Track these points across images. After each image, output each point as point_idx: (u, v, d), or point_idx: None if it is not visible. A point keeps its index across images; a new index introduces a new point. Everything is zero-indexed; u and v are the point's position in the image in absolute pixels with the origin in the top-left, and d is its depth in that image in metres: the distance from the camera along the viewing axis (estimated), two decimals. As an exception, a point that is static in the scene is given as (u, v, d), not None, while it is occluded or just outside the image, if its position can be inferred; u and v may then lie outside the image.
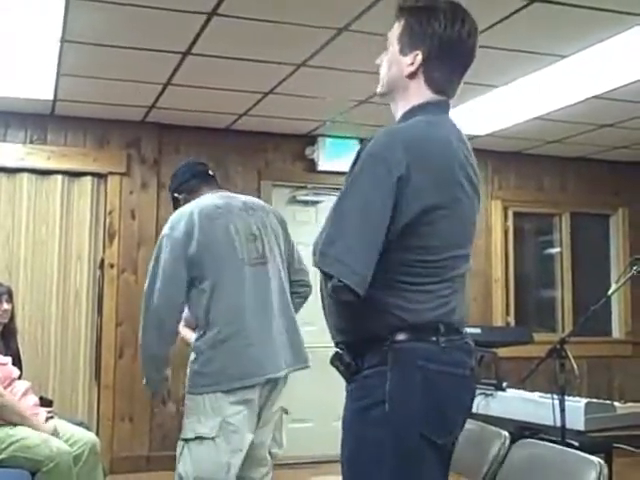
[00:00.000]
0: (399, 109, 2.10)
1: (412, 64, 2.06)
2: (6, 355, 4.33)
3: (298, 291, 3.35)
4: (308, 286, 3.38)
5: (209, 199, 3.22)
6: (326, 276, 1.92)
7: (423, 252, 1.95)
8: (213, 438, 2.97)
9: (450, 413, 2.05)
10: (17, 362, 4.41)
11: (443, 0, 2.14)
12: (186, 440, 3.02)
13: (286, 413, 3.31)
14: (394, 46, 2.09)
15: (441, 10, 2.11)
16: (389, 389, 1.92)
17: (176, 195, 3.40)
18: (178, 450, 3.05)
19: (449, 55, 2.13)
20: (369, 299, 1.89)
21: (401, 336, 1.94)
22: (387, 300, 1.95)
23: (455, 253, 2.06)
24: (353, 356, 2.02)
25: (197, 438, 2.99)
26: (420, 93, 2.09)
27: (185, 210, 3.14)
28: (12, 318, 4.54)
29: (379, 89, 2.16)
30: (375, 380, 1.95)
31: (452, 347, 2.00)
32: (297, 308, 3.35)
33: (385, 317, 1.95)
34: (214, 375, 3.01)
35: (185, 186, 3.36)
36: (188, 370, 3.09)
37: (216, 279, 3.03)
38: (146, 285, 3.06)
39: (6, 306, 4.43)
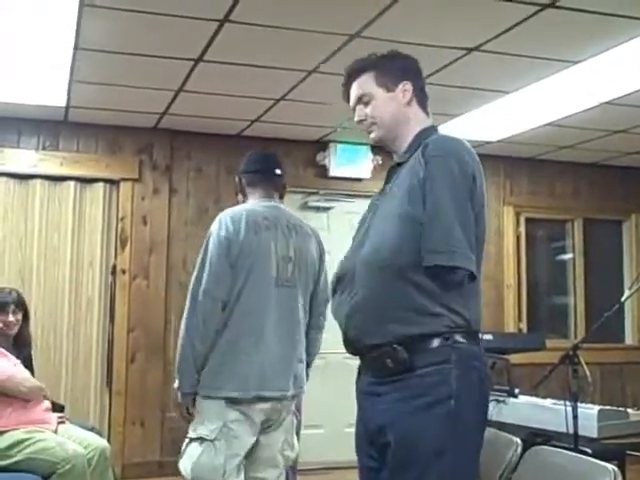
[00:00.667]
0: (404, 140, 2.31)
1: (405, 93, 2.31)
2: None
3: (318, 323, 3.37)
4: (325, 318, 3.38)
5: (260, 206, 3.24)
6: (451, 270, 2.08)
7: (478, 246, 2.19)
8: (213, 440, 3.02)
9: (487, 411, 2.24)
10: (29, 369, 4.42)
11: (390, 50, 2.46)
12: (190, 439, 3.09)
13: (296, 417, 3.32)
14: (377, 91, 2.31)
15: (400, 52, 2.45)
16: (456, 387, 2.06)
17: (238, 178, 3.41)
18: (183, 446, 3.12)
19: (424, 82, 2.40)
20: (437, 297, 2.09)
21: (461, 336, 2.13)
22: (452, 299, 2.13)
23: (482, 249, 2.26)
24: (409, 353, 2.10)
25: (198, 438, 3.05)
26: (420, 119, 2.34)
27: (235, 213, 3.16)
28: (25, 325, 4.48)
29: (377, 133, 2.34)
30: (436, 378, 2.08)
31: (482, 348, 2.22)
32: (316, 342, 3.38)
33: (450, 316, 2.12)
34: (220, 381, 3.05)
35: (246, 176, 3.35)
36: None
37: (242, 289, 3.06)
38: (193, 281, 3.07)
39: (11, 318, 4.29)
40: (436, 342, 2.09)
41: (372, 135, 2.36)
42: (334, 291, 2.31)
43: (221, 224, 3.10)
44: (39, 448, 3.90)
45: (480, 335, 2.23)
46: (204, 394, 3.06)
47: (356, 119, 2.36)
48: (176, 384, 3.13)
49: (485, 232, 2.25)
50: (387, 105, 2.31)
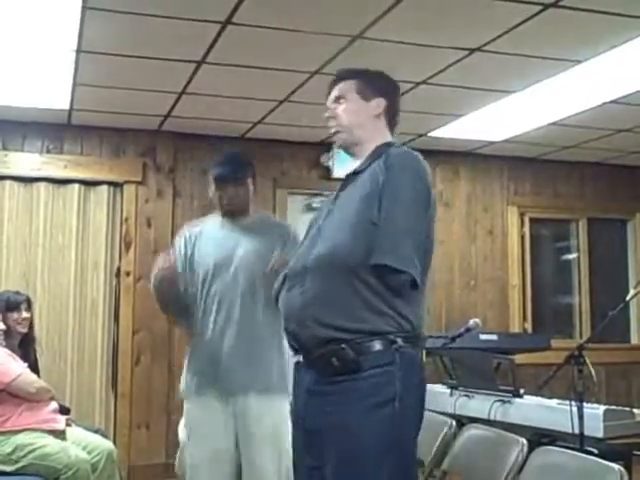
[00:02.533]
0: (364, 149, 2.42)
1: (377, 107, 2.44)
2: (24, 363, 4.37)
3: None
4: None
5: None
6: (397, 272, 2.15)
7: (427, 257, 2.28)
8: (187, 442, 3.16)
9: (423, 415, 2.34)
10: (35, 371, 4.44)
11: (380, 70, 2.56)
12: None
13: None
14: (353, 97, 2.43)
15: (385, 73, 2.55)
16: (399, 389, 2.15)
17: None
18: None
19: (398, 107, 2.53)
20: (386, 299, 2.17)
21: (403, 340, 2.19)
22: (399, 303, 2.20)
23: (430, 261, 2.33)
24: (356, 354, 2.16)
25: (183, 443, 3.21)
26: (383, 135, 2.45)
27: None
28: (31, 327, 4.58)
29: (340, 135, 2.45)
30: (383, 379, 2.16)
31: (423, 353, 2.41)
32: None
33: (396, 318, 2.20)
34: (186, 379, 3.21)
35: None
36: None
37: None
38: None
39: (25, 314, 4.49)
40: (381, 344, 2.17)
41: (336, 136, 2.46)
42: (279, 289, 2.38)
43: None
44: (42, 454, 3.92)
45: (422, 340, 2.32)
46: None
47: (326, 114, 2.46)
48: None
49: (434, 244, 2.34)
50: (358, 110, 2.42)
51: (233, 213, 3.36)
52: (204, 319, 3.21)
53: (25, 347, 4.53)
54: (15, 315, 4.46)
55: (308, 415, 2.28)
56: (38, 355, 4.66)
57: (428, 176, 2.29)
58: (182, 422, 3.27)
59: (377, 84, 2.47)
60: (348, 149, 2.48)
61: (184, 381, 3.26)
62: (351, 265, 2.18)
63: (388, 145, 2.39)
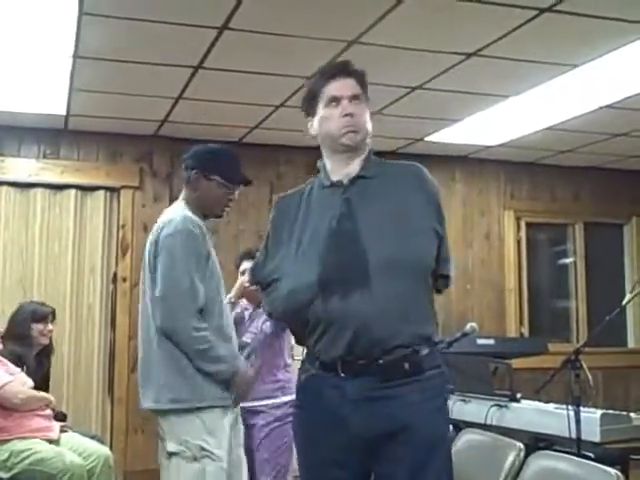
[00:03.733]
0: (361, 153, 2.37)
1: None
2: (35, 374, 4.37)
3: None
4: None
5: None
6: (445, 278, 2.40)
7: None
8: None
9: None
10: (44, 382, 4.46)
11: None
12: None
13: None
14: (365, 102, 2.39)
15: None
16: (448, 390, 2.44)
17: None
18: None
19: None
20: (433, 307, 2.35)
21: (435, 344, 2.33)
22: (433, 308, 2.36)
23: None
24: (420, 357, 2.21)
25: None
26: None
27: None
28: (51, 339, 4.63)
29: (359, 136, 2.34)
30: (441, 380, 2.28)
31: None
32: None
33: (434, 321, 2.35)
34: None
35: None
36: None
37: None
38: None
39: (50, 326, 4.58)
40: (431, 348, 2.26)
41: (353, 136, 2.32)
42: (329, 293, 2.17)
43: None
44: (37, 459, 3.91)
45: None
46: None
47: (349, 110, 2.32)
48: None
49: None
50: (367, 116, 2.39)
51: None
52: None
53: (41, 357, 4.56)
54: (41, 326, 4.51)
55: (360, 422, 2.17)
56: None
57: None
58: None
59: (366, 92, 2.44)
60: (352, 151, 2.35)
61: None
62: (426, 268, 2.29)
63: (373, 152, 2.43)
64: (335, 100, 2.35)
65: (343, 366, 2.18)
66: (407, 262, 2.21)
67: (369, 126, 2.37)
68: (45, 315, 4.55)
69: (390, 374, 2.16)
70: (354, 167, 2.35)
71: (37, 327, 4.49)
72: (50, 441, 4.09)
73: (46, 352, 4.63)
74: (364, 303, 2.14)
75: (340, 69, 2.41)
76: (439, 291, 2.42)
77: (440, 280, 2.38)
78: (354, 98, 2.34)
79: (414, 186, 2.35)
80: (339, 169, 2.36)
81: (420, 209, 2.31)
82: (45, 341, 4.54)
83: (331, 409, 2.21)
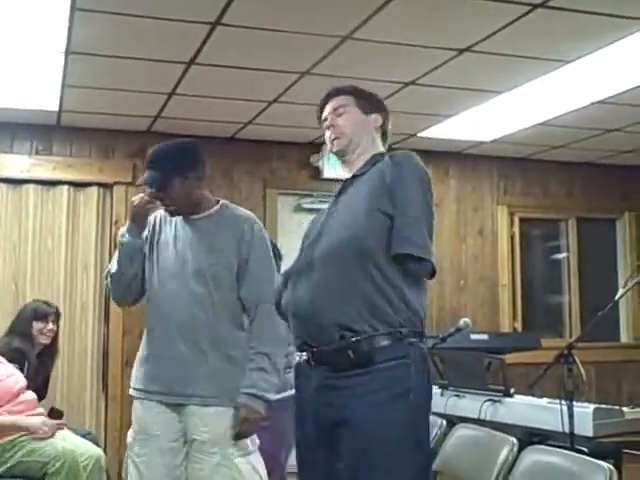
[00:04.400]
0: (363, 154, 2.50)
1: (376, 120, 2.55)
2: (36, 375, 4.37)
3: None
4: None
5: None
6: (421, 261, 2.23)
7: None
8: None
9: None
10: (43, 384, 4.45)
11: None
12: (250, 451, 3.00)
13: None
14: (354, 109, 2.52)
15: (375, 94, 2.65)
16: (414, 382, 2.18)
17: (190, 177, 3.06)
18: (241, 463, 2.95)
19: (389, 129, 2.63)
20: (399, 290, 2.22)
21: (413, 337, 2.24)
22: (412, 294, 2.26)
23: None
24: (369, 347, 2.18)
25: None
26: (379, 146, 2.56)
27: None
28: (55, 340, 4.61)
29: (341, 141, 2.51)
30: (399, 372, 2.19)
31: None
32: None
33: (406, 312, 2.24)
34: None
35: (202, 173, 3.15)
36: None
37: None
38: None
39: (51, 326, 4.57)
40: (393, 338, 2.20)
41: (335, 142, 2.51)
42: (281, 290, 2.42)
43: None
44: (29, 450, 3.91)
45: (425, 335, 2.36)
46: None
47: (327, 123, 2.53)
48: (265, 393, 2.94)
49: None
50: (359, 121, 2.51)
51: (180, 214, 3.10)
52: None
53: (44, 358, 4.54)
54: (40, 325, 4.50)
55: (320, 411, 2.26)
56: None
57: (428, 175, 2.40)
58: None
59: (373, 101, 2.58)
60: (344, 155, 2.54)
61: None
62: (369, 250, 2.22)
63: (382, 154, 2.49)
64: (324, 121, 2.58)
65: (311, 355, 2.31)
66: (341, 248, 2.26)
67: (357, 129, 2.50)
68: (46, 314, 4.55)
69: (337, 363, 2.22)
70: (354, 170, 2.50)
71: (37, 325, 4.50)
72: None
73: (49, 353, 4.62)
74: (304, 291, 2.28)
75: (326, 95, 2.61)
76: (420, 276, 2.31)
77: (409, 263, 2.22)
78: (335, 110, 2.53)
79: (379, 173, 2.36)
80: (347, 174, 2.54)
81: (371, 192, 2.31)
82: (45, 340, 4.51)
83: (306, 394, 2.35)
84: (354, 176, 2.48)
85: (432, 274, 2.30)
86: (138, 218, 3.05)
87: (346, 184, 2.51)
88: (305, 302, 2.26)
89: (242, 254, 2.99)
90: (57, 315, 4.65)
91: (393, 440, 2.15)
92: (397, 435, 2.15)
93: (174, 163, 3.04)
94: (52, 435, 4.05)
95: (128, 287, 3.12)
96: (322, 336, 2.24)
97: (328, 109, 2.55)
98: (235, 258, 2.99)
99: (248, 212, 3.14)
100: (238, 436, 2.90)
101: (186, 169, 3.04)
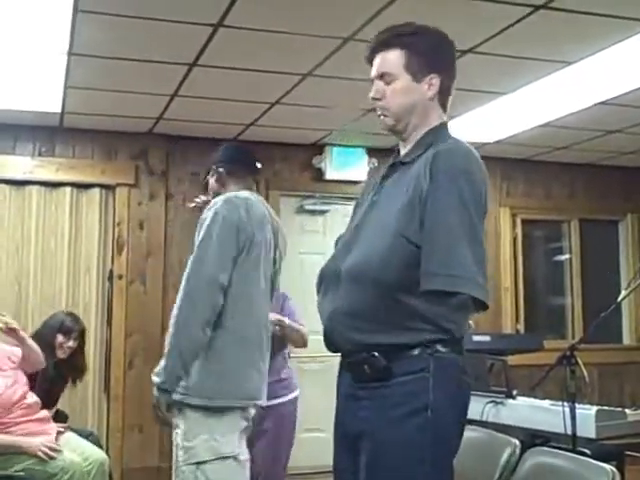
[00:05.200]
0: (414, 134, 2.19)
1: (430, 87, 2.17)
2: (52, 382, 4.36)
3: None
4: None
5: (254, 197, 3.08)
6: (444, 294, 1.97)
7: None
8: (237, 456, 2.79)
9: (466, 421, 2.18)
10: (54, 395, 4.47)
11: (432, 27, 2.28)
12: (212, 459, 2.73)
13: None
14: (403, 77, 2.16)
15: (442, 35, 2.26)
16: (433, 398, 2.01)
17: (216, 167, 3.22)
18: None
19: (454, 78, 2.25)
20: (418, 306, 2.01)
21: (442, 346, 2.04)
22: (434, 309, 2.02)
23: None
24: (388, 361, 2.05)
25: (228, 457, 2.76)
26: (437, 115, 2.21)
27: (244, 198, 2.97)
28: (75, 356, 4.57)
29: (388, 120, 2.20)
30: (415, 387, 2.02)
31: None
32: None
33: (431, 326, 2.03)
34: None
35: (227, 166, 3.24)
36: None
37: (243, 284, 2.87)
38: (194, 263, 2.81)
39: (72, 343, 4.52)
40: (416, 350, 2.03)
41: (382, 120, 2.22)
42: (318, 289, 2.24)
43: (232, 208, 2.87)
44: (37, 459, 3.90)
45: (463, 341, 2.14)
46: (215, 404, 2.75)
47: (372, 94, 2.21)
48: (158, 379, 2.80)
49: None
50: (408, 94, 2.16)
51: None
52: None
53: (62, 371, 4.53)
54: (61, 338, 4.47)
55: (346, 420, 2.19)
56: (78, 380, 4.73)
57: (480, 178, 2.08)
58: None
59: (429, 54, 2.17)
60: (394, 133, 2.23)
61: None
62: (383, 282, 2.02)
63: (436, 130, 2.17)
64: (372, 82, 2.25)
65: (341, 362, 2.23)
66: (359, 271, 2.08)
67: (406, 104, 2.16)
68: (70, 329, 4.53)
69: (355, 375, 2.14)
70: (406, 147, 2.22)
71: (60, 338, 4.49)
72: None
73: (69, 367, 4.57)
74: (330, 304, 2.15)
75: (375, 43, 2.26)
76: (466, 311, 2.07)
77: (446, 298, 1.97)
78: (382, 77, 2.20)
79: (418, 177, 2.06)
80: (402, 148, 2.24)
81: (404, 209, 2.05)
82: (62, 355, 4.49)
83: (338, 400, 2.27)
84: (401, 162, 2.19)
85: (476, 303, 1.99)
86: None
87: (393, 168, 2.21)
88: (329, 315, 2.16)
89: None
90: (80, 333, 4.61)
91: (405, 460, 2.02)
92: (410, 454, 2.01)
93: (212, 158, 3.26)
94: (51, 457, 3.99)
95: None
96: (342, 348, 2.17)
97: (374, 69, 2.20)
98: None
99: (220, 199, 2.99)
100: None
101: (215, 163, 3.22)
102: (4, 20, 3.88)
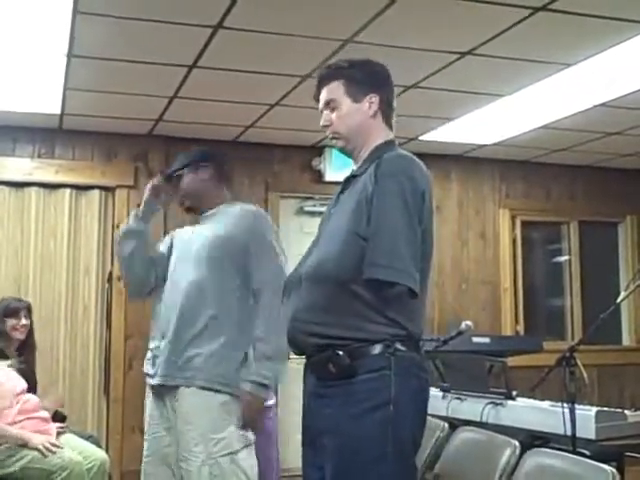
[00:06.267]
0: (363, 151, 2.40)
1: (371, 105, 2.39)
2: (23, 371, 4.36)
3: None
4: None
5: None
6: (390, 284, 2.15)
7: (424, 262, 2.27)
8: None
9: (426, 417, 2.32)
10: (31, 378, 4.43)
11: (365, 59, 2.50)
12: (240, 447, 2.96)
13: None
14: (344, 100, 2.39)
15: (373, 62, 2.50)
16: (394, 393, 2.14)
17: (203, 165, 3.30)
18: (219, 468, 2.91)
19: (393, 95, 2.48)
20: (377, 308, 2.17)
21: (401, 346, 2.19)
22: (393, 310, 2.19)
23: (429, 265, 2.33)
24: (351, 359, 2.16)
25: (249, 445, 2.99)
26: (380, 133, 2.41)
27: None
28: (31, 334, 4.60)
29: (338, 143, 2.44)
30: (378, 384, 2.15)
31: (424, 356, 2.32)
32: None
33: (391, 324, 2.19)
34: None
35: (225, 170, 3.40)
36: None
37: None
38: (279, 270, 3.03)
39: (24, 321, 4.51)
40: (377, 349, 2.16)
41: (335, 142, 2.45)
42: (282, 297, 2.45)
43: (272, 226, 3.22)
44: (35, 457, 3.90)
45: (421, 343, 2.29)
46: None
47: (322, 123, 2.44)
48: (268, 380, 2.96)
49: (433, 247, 2.34)
50: (352, 116, 2.39)
51: (194, 210, 3.31)
52: None
53: (25, 354, 4.53)
54: (13, 321, 4.48)
55: (311, 417, 2.31)
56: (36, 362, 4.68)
57: (420, 180, 2.26)
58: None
59: (364, 78, 2.41)
60: (347, 153, 2.47)
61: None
62: (339, 278, 2.19)
63: (387, 144, 2.38)
64: (321, 113, 2.48)
65: (305, 362, 2.35)
66: (319, 272, 2.24)
67: (352, 125, 2.39)
68: (16, 310, 4.52)
69: (319, 374, 2.25)
70: (355, 166, 2.45)
71: (10, 322, 4.48)
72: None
73: (28, 348, 4.59)
74: (293, 306, 2.30)
75: (317, 81, 2.49)
76: (389, 300, 2.18)
77: (383, 287, 2.15)
78: (327, 105, 2.43)
79: (364, 186, 2.27)
80: (354, 166, 2.47)
81: (354, 210, 2.25)
82: (20, 336, 4.49)
83: (304, 399, 2.38)
84: (353, 175, 2.41)
85: (412, 295, 2.18)
86: (149, 200, 3.31)
87: (347, 182, 2.43)
88: (291, 316, 2.29)
89: (246, 245, 3.07)
90: (28, 309, 4.62)
91: (370, 453, 2.12)
92: (374, 448, 2.12)
93: (188, 157, 3.31)
94: (53, 452, 4.01)
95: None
96: (306, 349, 2.29)
97: (321, 102, 2.45)
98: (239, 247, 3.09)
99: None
100: (243, 425, 2.95)
101: (197, 164, 3.27)
102: (4, 22, 3.88)
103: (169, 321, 3.06)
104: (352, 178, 2.40)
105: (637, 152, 6.74)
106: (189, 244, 3.19)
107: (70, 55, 4.37)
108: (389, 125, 2.45)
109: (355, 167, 2.44)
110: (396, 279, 2.14)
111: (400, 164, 2.27)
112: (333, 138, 2.44)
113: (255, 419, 2.99)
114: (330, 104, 2.41)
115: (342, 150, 2.46)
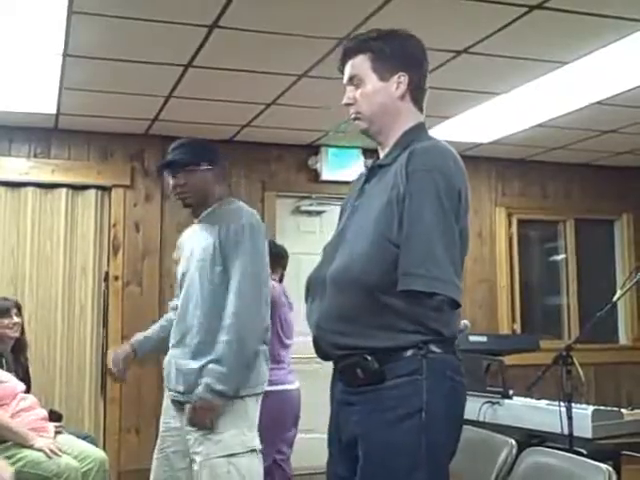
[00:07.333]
0: (390, 136, 2.19)
1: (399, 86, 2.17)
2: (16, 369, 4.36)
3: None
4: None
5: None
6: (429, 295, 1.96)
7: (461, 262, 2.09)
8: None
9: (463, 422, 2.16)
10: (25, 376, 4.43)
11: (396, 28, 2.24)
12: (246, 451, 2.91)
13: None
14: (370, 77, 2.17)
15: (407, 35, 2.25)
16: (426, 399, 1.99)
17: (204, 167, 3.22)
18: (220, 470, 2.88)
19: (425, 74, 2.28)
20: (409, 316, 2.00)
21: (435, 347, 2.03)
22: (426, 316, 2.02)
23: (463, 266, 2.14)
24: (380, 364, 2.03)
25: (254, 450, 2.93)
26: (410, 116, 2.20)
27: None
28: (22, 332, 4.59)
29: (361, 124, 2.22)
30: (409, 389, 2.01)
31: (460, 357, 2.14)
32: None
33: (422, 327, 2.02)
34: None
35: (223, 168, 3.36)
36: None
37: None
38: (255, 271, 3.00)
39: (16, 319, 4.51)
40: (408, 352, 2.01)
41: (357, 124, 2.23)
42: (306, 298, 2.24)
43: (260, 223, 3.13)
44: (31, 462, 3.87)
45: (456, 342, 2.12)
46: (248, 392, 2.95)
47: (344, 101, 2.22)
48: (222, 387, 2.85)
49: (467, 246, 2.16)
50: (377, 95, 2.17)
51: (189, 207, 3.23)
52: None
53: (17, 353, 4.53)
54: (5, 321, 4.47)
55: (340, 426, 2.17)
56: (29, 361, 4.66)
57: (456, 176, 2.06)
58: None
59: (395, 55, 2.18)
60: (370, 137, 2.24)
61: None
62: (366, 285, 2.01)
63: (414, 130, 2.17)
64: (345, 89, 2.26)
65: (333, 367, 2.22)
66: (341, 275, 2.07)
67: (376, 106, 2.17)
68: (8, 309, 4.51)
69: (347, 380, 2.11)
70: (384, 150, 2.21)
71: (2, 322, 4.47)
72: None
73: (20, 347, 4.59)
74: (316, 310, 2.15)
75: (342, 53, 2.26)
76: (427, 310, 2.02)
77: (421, 298, 1.96)
78: (351, 80, 2.21)
79: (396, 177, 2.06)
80: (381, 152, 2.25)
81: (385, 210, 2.05)
82: (13, 334, 4.48)
83: (332, 407, 2.25)
84: (380, 165, 2.18)
85: (453, 305, 2.01)
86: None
87: (372, 172, 2.21)
88: (315, 321, 2.15)
89: (225, 248, 3.00)
90: (18, 307, 4.62)
91: (401, 463, 1.99)
92: (406, 457, 1.99)
93: (192, 152, 3.24)
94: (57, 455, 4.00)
95: None
96: (331, 355, 2.15)
97: (345, 77, 2.21)
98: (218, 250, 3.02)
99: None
100: (193, 425, 2.90)
101: (199, 159, 3.21)
102: (-1, 21, 3.88)
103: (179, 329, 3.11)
104: (378, 168, 2.19)
105: (633, 150, 6.74)
106: (189, 251, 3.19)
107: (65, 55, 4.36)
108: (419, 107, 2.23)
109: (382, 154, 2.21)
110: (435, 289, 1.95)
111: (434, 158, 2.05)
112: (356, 119, 2.21)
113: (204, 423, 2.89)
114: (354, 80, 2.19)
115: (365, 132, 2.23)
